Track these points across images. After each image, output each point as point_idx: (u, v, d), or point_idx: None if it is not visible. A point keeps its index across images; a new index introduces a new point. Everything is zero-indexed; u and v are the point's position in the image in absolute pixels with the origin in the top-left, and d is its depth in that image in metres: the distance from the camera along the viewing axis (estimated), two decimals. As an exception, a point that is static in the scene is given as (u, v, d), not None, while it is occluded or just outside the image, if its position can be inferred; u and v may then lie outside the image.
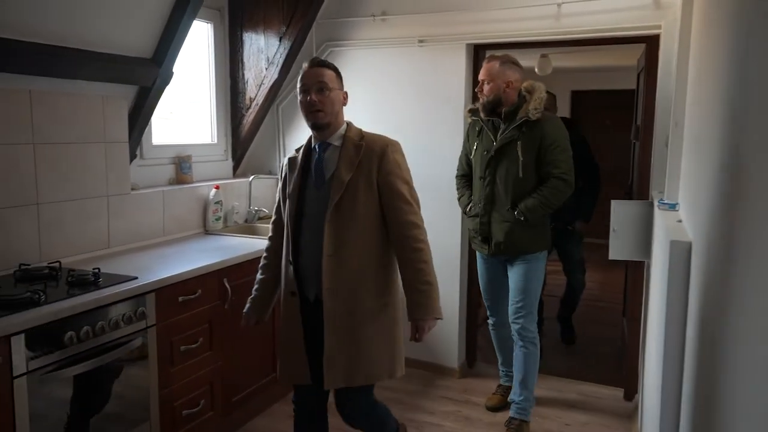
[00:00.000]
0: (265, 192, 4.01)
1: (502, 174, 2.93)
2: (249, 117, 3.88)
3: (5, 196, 2.46)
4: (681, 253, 1.72)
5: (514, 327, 3.05)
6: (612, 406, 3.39)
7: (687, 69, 2.48)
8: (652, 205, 2.82)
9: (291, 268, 2.16)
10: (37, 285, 2.23)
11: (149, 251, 2.97)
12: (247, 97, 3.86)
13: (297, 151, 2.27)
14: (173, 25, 2.87)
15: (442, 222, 3.60)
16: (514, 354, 3.11)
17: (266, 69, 3.77)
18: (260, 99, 3.82)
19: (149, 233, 3.16)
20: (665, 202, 2.48)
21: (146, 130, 3.17)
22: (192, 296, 2.61)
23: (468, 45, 3.51)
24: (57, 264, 2.50)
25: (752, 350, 0.83)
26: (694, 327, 1.51)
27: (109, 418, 2.28)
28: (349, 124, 2.19)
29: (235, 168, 4.00)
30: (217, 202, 3.54)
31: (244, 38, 3.81)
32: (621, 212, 2.92)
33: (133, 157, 3.10)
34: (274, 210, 2.34)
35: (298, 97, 2.12)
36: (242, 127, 3.91)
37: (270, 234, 2.36)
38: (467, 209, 3.13)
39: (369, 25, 3.70)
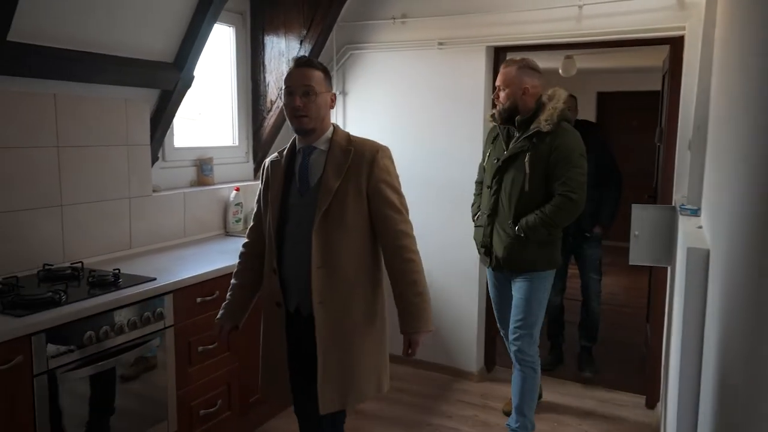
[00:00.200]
0: (285, 194, 4.04)
1: (508, 186, 2.77)
2: (270, 119, 3.91)
3: (30, 198, 2.52)
4: (698, 260, 1.68)
5: (511, 348, 2.90)
6: (633, 414, 3.33)
7: (710, 71, 2.43)
8: (674, 209, 2.77)
9: (276, 277, 2.04)
10: (59, 285, 2.28)
11: (169, 252, 3.01)
12: (268, 99, 3.90)
13: (280, 153, 2.13)
14: (194, 29, 2.91)
15: (459, 226, 3.58)
16: (512, 376, 2.95)
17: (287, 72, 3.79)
18: (281, 102, 3.85)
19: (170, 234, 3.21)
20: (686, 207, 2.43)
21: (168, 132, 3.22)
22: (209, 297, 2.64)
23: (488, 47, 3.49)
24: (79, 264, 2.56)
25: None
26: (713, 337, 1.47)
27: (128, 416, 2.32)
28: (335, 126, 2.06)
29: (256, 170, 4.03)
30: (237, 204, 3.57)
31: (265, 41, 3.84)
32: (642, 217, 2.87)
33: (155, 159, 3.15)
34: (253, 215, 2.21)
35: (282, 99, 2.00)
36: (263, 130, 3.95)
37: (246, 240, 2.22)
38: (475, 218, 3.01)
39: (389, 28, 3.71)
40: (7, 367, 1.87)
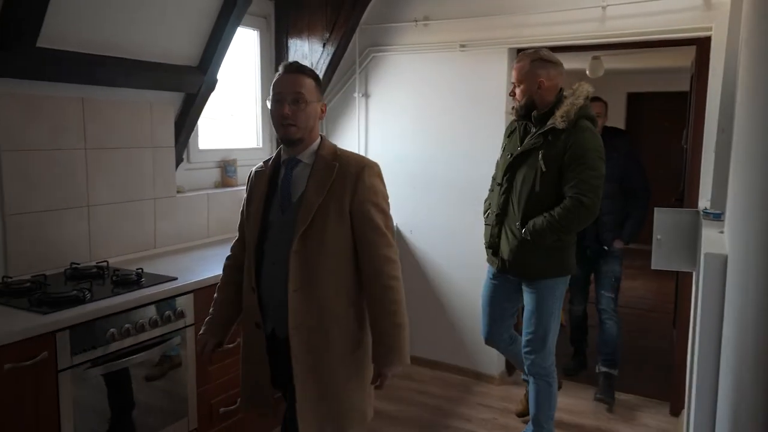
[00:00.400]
0: (308, 195, 4.08)
1: (519, 184, 2.61)
2: (293, 122, 3.95)
3: (59, 198, 2.61)
4: (715, 266, 1.65)
5: (525, 362, 2.78)
6: (656, 421, 3.28)
7: (736, 72, 2.38)
8: (698, 214, 2.71)
9: (255, 296, 1.91)
10: (84, 283, 2.35)
11: (192, 252, 3.08)
12: (292, 102, 3.94)
13: (265, 163, 2.00)
14: (218, 33, 2.96)
15: (480, 228, 3.52)
16: (528, 386, 2.86)
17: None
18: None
19: (194, 235, 3.27)
20: (709, 211, 2.38)
21: (193, 135, 3.28)
22: (230, 297, 2.69)
23: (510, 49, 3.47)
24: (105, 263, 2.63)
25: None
26: (730, 346, 1.45)
27: (150, 412, 2.38)
28: (323, 138, 1.94)
29: (280, 171, 4.08)
30: (260, 205, 3.62)
31: (289, 44, 3.89)
32: (665, 221, 2.82)
33: (179, 161, 3.22)
34: (238, 226, 2.07)
35: (269, 105, 1.87)
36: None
37: (230, 252, 2.11)
38: (485, 215, 2.87)
39: (411, 31, 3.72)
40: (33, 363, 1.94)
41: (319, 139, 1.92)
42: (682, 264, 2.83)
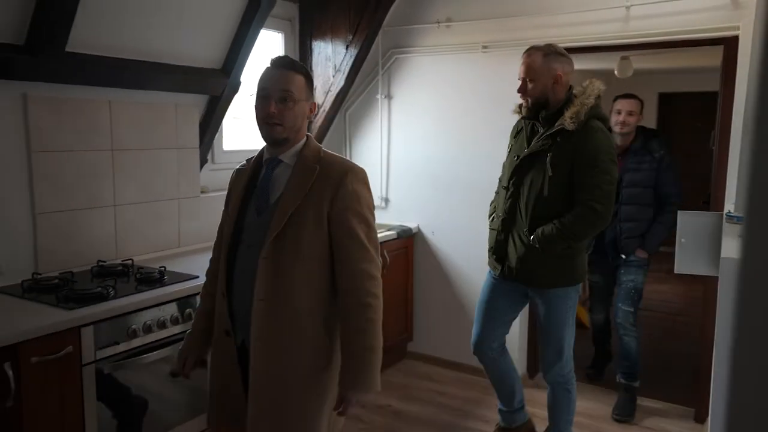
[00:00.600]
0: (330, 196, 4.12)
1: (526, 188, 2.47)
2: (316, 123, 4.00)
3: (87, 198, 2.69)
4: (732, 271, 1.63)
5: (546, 379, 2.70)
6: (680, 428, 3.22)
7: (762, 72, 2.33)
8: (721, 217, 2.66)
9: (225, 303, 1.77)
10: (109, 280, 2.42)
11: (216, 251, 3.14)
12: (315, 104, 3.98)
13: (248, 162, 1.88)
14: (241, 36, 3.02)
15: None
16: (547, 393, 2.78)
17: (333, 76, 3.88)
18: (327, 105, 3.93)
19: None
20: (733, 214, 2.34)
21: (217, 136, 3.35)
22: (250, 296, 2.74)
23: (533, 50, 3.45)
24: (130, 261, 2.71)
25: None
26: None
27: (170, 406, 2.44)
28: (308, 138, 1.80)
29: (303, 172, 4.13)
30: (282, 206, 3.67)
31: (313, 47, 3.93)
32: (689, 223, 2.77)
33: (204, 162, 3.29)
34: (218, 229, 1.94)
35: (255, 100, 1.73)
36: (310, 133, 4.04)
37: (213, 256, 1.95)
38: (490, 218, 2.72)
39: (434, 32, 3.72)
40: (58, 356, 2.01)
41: (304, 140, 1.78)
42: (706, 268, 2.78)
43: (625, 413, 3.31)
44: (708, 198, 3.85)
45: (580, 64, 5.46)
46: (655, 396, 3.54)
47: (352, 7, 3.75)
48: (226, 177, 3.50)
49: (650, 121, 7.36)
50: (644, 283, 3.38)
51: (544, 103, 2.45)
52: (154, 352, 2.33)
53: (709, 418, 2.14)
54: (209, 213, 3.28)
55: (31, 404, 1.95)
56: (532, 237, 2.44)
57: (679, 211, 2.79)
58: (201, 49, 2.95)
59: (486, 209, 3.63)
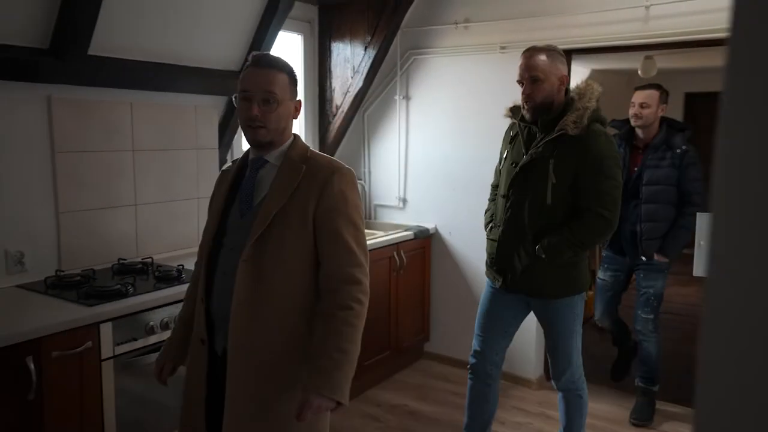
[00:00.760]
0: (348, 196, 4.15)
1: (528, 197, 2.35)
2: (335, 123, 4.04)
3: (108, 197, 2.76)
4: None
5: (556, 387, 2.63)
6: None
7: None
8: (742, 219, 2.62)
9: (203, 309, 1.69)
10: (129, 278, 2.48)
11: (234, 250, 3.19)
12: (334, 104, 4.02)
13: (234, 162, 1.83)
14: (259, 38, 3.06)
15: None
16: (558, 400, 2.69)
17: (351, 77, 3.91)
18: (345, 106, 3.96)
19: (236, 233, 3.39)
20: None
21: (236, 137, 3.40)
22: (266, 294, 2.78)
23: (551, 50, 3.43)
24: (150, 259, 2.77)
25: None
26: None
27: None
28: (295, 138, 1.72)
29: (322, 173, 4.16)
30: (300, 206, 3.71)
31: (332, 48, 3.97)
32: (708, 225, 2.73)
33: (223, 162, 3.34)
34: (203, 231, 1.84)
35: (236, 102, 1.66)
36: (329, 134, 4.08)
37: (196, 261, 1.85)
38: (487, 228, 2.58)
39: (452, 33, 3.73)
40: (78, 351, 2.07)
41: (291, 139, 1.71)
42: (725, 271, 2.74)
43: (643, 417, 3.27)
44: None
45: (600, 63, 5.43)
46: (675, 400, 3.49)
47: (371, 9, 3.77)
48: (245, 177, 3.59)
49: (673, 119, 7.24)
50: (664, 287, 3.28)
51: (548, 106, 2.33)
52: (171, 349, 2.38)
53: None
54: (228, 212, 3.34)
55: (52, 397, 2.01)
56: (537, 247, 2.34)
57: (698, 213, 2.73)
58: (220, 52, 3.00)
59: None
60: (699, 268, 2.79)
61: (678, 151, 3.13)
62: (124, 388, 2.23)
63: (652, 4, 3.06)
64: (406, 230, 3.80)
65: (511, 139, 2.51)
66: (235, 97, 1.67)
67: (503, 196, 2.46)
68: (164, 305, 2.35)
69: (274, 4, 2.98)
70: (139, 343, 2.27)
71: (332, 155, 4.11)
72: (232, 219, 1.70)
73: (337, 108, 4.01)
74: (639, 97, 3.19)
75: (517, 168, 2.38)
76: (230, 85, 3.12)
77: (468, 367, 2.68)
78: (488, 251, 2.55)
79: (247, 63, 1.66)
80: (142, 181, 2.88)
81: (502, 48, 3.55)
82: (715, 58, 6.04)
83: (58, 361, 2.01)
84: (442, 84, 3.83)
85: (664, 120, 3.24)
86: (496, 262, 2.48)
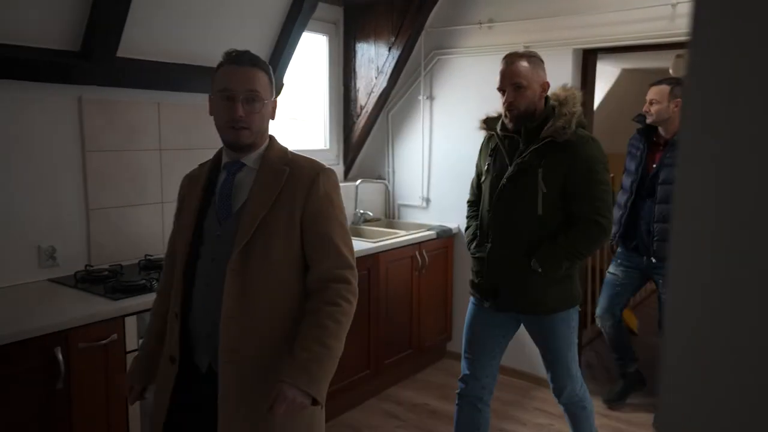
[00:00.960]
0: (372, 196, 4.18)
1: (517, 209, 2.26)
2: (359, 123, 4.07)
3: (136, 195, 2.84)
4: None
5: (559, 401, 2.52)
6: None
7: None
8: None
9: (177, 325, 1.57)
10: (154, 273, 2.56)
11: (257, 248, 3.25)
12: (358, 104, 4.06)
13: (201, 167, 1.72)
14: (283, 39, 3.12)
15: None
16: (564, 413, 2.58)
17: (376, 78, 3.94)
18: (370, 106, 3.99)
19: (260, 231, 3.45)
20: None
21: (261, 136, 3.46)
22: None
23: (575, 50, 3.41)
24: (175, 256, 2.84)
25: None
26: None
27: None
28: (272, 139, 1.65)
29: (347, 172, 4.21)
30: (324, 205, 3.76)
31: (356, 49, 4.01)
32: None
33: (248, 161, 3.40)
34: (169, 240, 1.74)
35: (216, 102, 1.57)
36: (353, 133, 4.12)
37: (163, 271, 1.76)
38: (471, 246, 2.46)
39: (475, 33, 3.73)
40: (104, 343, 2.14)
41: (267, 141, 1.64)
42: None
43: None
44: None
45: (630, 63, 5.35)
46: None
47: (395, 10, 3.80)
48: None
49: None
50: None
51: (531, 114, 2.25)
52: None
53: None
54: (252, 211, 3.41)
55: (80, 387, 2.09)
56: (532, 260, 2.24)
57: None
58: (245, 53, 3.06)
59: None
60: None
61: None
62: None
63: (678, 2, 3.02)
64: (428, 230, 3.81)
65: (491, 152, 2.40)
66: (211, 97, 1.58)
67: (488, 211, 2.35)
68: (187, 300, 2.41)
69: (298, 5, 3.03)
70: (163, 337, 2.34)
71: (356, 155, 4.16)
72: (209, 227, 1.59)
73: (362, 108, 4.04)
74: (649, 93, 3.16)
75: (505, 179, 2.28)
76: (255, 86, 3.19)
77: (457, 392, 2.55)
78: (474, 269, 2.43)
79: (223, 60, 1.57)
80: (168, 179, 2.96)
81: (526, 48, 3.53)
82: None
83: (85, 352, 2.08)
84: (466, 84, 3.83)
85: None
86: (487, 279, 2.35)
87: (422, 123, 4.04)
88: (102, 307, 2.18)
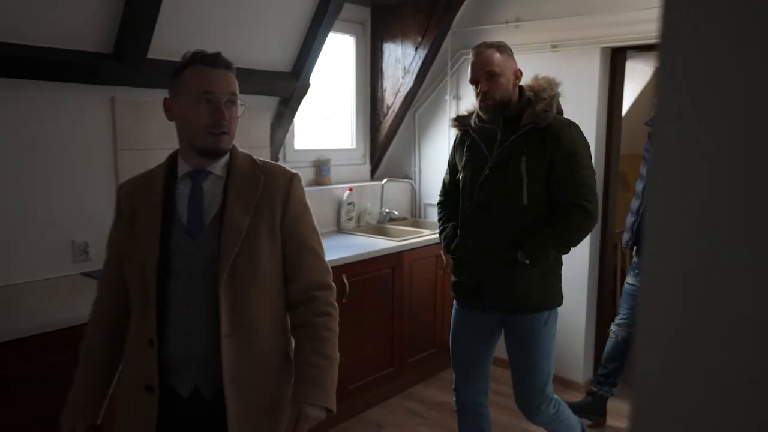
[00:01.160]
0: (397, 195, 4.21)
1: (501, 201, 2.18)
2: (386, 123, 4.10)
3: (166, 192, 2.92)
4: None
5: (524, 411, 2.36)
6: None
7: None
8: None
9: (152, 352, 1.43)
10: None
11: (283, 245, 3.31)
12: (385, 104, 4.09)
13: (145, 178, 1.57)
14: (309, 41, 3.16)
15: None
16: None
17: (402, 78, 3.96)
18: (396, 106, 4.02)
19: (287, 229, 3.51)
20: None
21: (288, 135, 3.52)
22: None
23: (603, 48, 3.37)
24: (202, 252, 2.91)
25: None
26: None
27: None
28: (233, 146, 1.55)
29: (373, 172, 4.24)
30: (349, 203, 3.80)
31: (383, 49, 4.03)
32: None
33: (275, 160, 3.46)
34: (105, 262, 1.59)
35: (191, 105, 1.45)
36: (380, 133, 4.15)
37: (97, 297, 1.59)
38: (450, 246, 2.36)
39: (502, 32, 3.71)
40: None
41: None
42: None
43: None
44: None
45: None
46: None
47: (422, 11, 3.81)
48: (297, 175, 3.70)
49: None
50: None
51: (506, 104, 2.18)
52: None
53: None
54: (279, 209, 3.47)
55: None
56: (519, 252, 2.15)
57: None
58: (272, 54, 3.12)
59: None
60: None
61: None
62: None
63: (709, -1, 2.96)
64: (453, 229, 3.81)
65: (467, 148, 2.32)
66: (181, 99, 1.47)
67: (470, 206, 2.27)
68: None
69: (324, 6, 3.07)
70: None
71: (383, 155, 4.19)
72: (177, 242, 1.46)
73: (388, 108, 4.07)
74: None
75: (487, 171, 2.20)
76: (281, 86, 3.25)
77: (454, 401, 2.51)
78: (457, 269, 2.36)
79: (192, 60, 1.48)
80: (197, 177, 3.03)
81: (554, 47, 3.51)
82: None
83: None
84: (492, 83, 3.82)
85: None
86: (469, 276, 2.28)
87: (449, 123, 4.04)
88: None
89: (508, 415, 3.34)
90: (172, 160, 1.56)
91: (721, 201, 0.43)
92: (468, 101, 3.96)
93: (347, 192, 3.81)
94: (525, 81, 2.28)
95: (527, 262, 2.15)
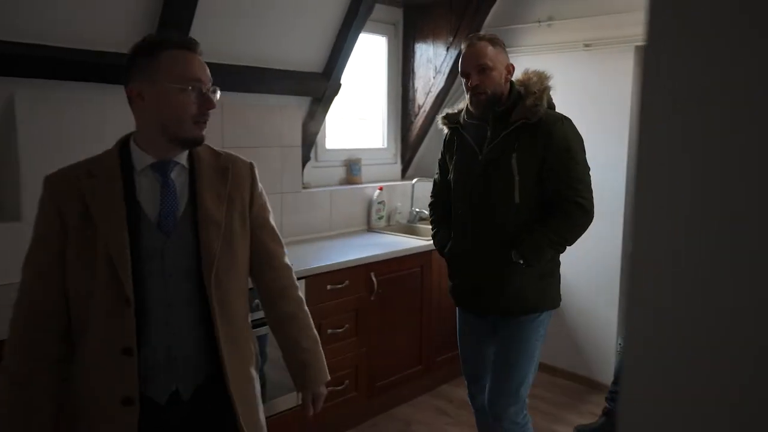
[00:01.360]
0: (427, 195, 4.17)
1: (493, 199, 2.11)
2: (417, 123, 4.12)
3: (200, 190, 3.00)
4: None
5: (491, 412, 2.23)
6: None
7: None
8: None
9: (131, 361, 1.32)
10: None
11: (314, 243, 3.36)
12: (416, 104, 4.11)
13: (83, 170, 1.38)
14: (341, 42, 3.21)
15: (596, 228, 3.44)
16: None
17: (433, 78, 3.97)
18: (427, 106, 4.03)
19: (318, 227, 3.56)
20: None
21: (320, 135, 3.57)
22: (339, 285, 2.91)
23: (637, 47, 3.33)
24: (235, 249, 2.98)
25: None
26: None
27: (268, 382, 2.67)
28: None
29: (404, 171, 4.26)
30: (380, 202, 3.83)
31: (415, 49, 4.05)
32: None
33: (307, 159, 3.52)
34: (37, 274, 1.35)
35: (176, 92, 1.35)
36: (411, 133, 4.17)
37: (31, 321, 1.34)
38: (444, 249, 2.31)
39: (534, 31, 3.70)
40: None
41: None
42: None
43: None
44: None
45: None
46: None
47: (454, 10, 3.82)
48: (328, 174, 3.76)
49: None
50: None
51: (498, 99, 2.10)
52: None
53: None
54: (310, 207, 3.52)
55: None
56: (513, 253, 2.08)
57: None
58: (304, 55, 3.18)
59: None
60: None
61: None
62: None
63: (747, -4, 2.89)
64: (483, 229, 3.81)
65: (457, 147, 2.25)
66: (157, 85, 1.35)
67: (462, 206, 2.22)
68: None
69: (355, 7, 3.12)
70: (220, 325, 2.47)
71: (414, 154, 4.21)
72: (148, 240, 1.36)
73: (419, 108, 4.09)
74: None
75: (478, 169, 2.14)
76: (313, 86, 3.30)
77: (470, 403, 2.47)
78: (451, 271, 2.32)
79: (169, 43, 1.37)
80: (230, 176, 3.11)
81: (586, 45, 3.48)
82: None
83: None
84: (524, 83, 3.80)
85: None
86: (466, 278, 2.24)
87: (438, 120, 4.03)
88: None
89: (538, 416, 3.32)
90: (121, 151, 1.41)
91: (708, 199, 0.45)
92: (499, 101, 3.95)
93: (377, 191, 3.85)
94: (516, 76, 2.22)
95: (521, 262, 2.07)
